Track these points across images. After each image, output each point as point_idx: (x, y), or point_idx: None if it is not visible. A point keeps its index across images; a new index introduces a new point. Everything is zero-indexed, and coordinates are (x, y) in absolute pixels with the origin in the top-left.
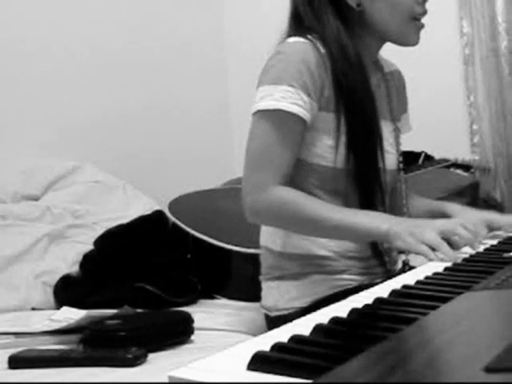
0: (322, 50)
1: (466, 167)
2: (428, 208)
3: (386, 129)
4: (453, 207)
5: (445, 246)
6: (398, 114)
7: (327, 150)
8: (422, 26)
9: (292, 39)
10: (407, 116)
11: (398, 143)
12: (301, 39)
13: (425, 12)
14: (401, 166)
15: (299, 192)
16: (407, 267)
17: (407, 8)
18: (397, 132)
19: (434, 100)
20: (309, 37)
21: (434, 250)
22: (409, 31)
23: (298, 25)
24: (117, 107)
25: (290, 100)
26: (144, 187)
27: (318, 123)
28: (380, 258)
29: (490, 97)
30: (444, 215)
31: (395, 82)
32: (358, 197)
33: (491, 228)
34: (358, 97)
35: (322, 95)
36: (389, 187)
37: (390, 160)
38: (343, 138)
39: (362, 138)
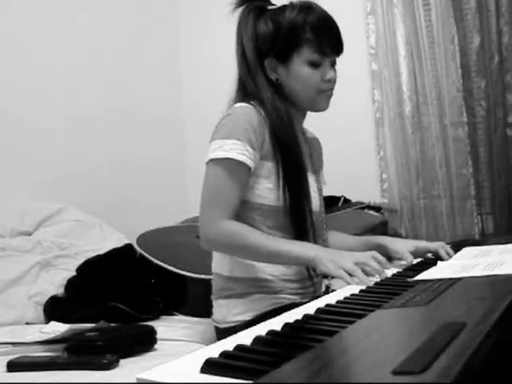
0: (263, 113)
1: (377, 209)
2: (362, 242)
3: (310, 178)
4: (385, 239)
5: (359, 272)
6: (317, 169)
7: (267, 191)
8: (331, 94)
9: (238, 104)
10: (323, 172)
11: (320, 191)
12: (245, 104)
13: (331, 88)
14: (322, 208)
15: (244, 224)
16: (330, 290)
17: (314, 85)
18: (318, 182)
19: (352, 154)
20: (251, 102)
21: (350, 275)
22: (318, 101)
23: (242, 91)
24: (95, 161)
25: (238, 151)
26: (117, 225)
27: (259, 170)
28: (311, 279)
29: (396, 152)
30: (378, 245)
31: (314, 146)
32: (293, 229)
33: (422, 253)
34: (290, 149)
35: (262, 148)
36: (314, 225)
37: (314, 203)
38: (280, 182)
39: (295, 181)
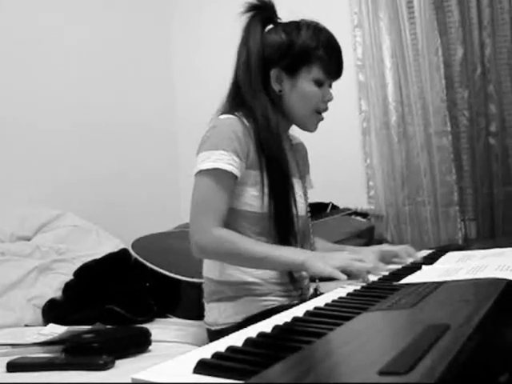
0: (247, 124)
1: (363, 215)
2: (331, 249)
3: (297, 184)
4: (352, 248)
5: (356, 263)
6: (303, 174)
7: (253, 199)
8: (322, 118)
9: (222, 116)
10: (309, 177)
11: (306, 195)
12: (229, 116)
13: (326, 108)
14: (309, 213)
15: (234, 232)
16: (318, 292)
17: (314, 103)
18: (304, 187)
19: (339, 162)
20: (236, 114)
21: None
22: (310, 121)
23: (234, 96)
24: (91, 170)
25: (225, 161)
26: (112, 230)
27: (245, 179)
28: (294, 283)
29: (382, 160)
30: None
31: (300, 151)
32: (278, 234)
33: (388, 256)
34: (275, 159)
35: (248, 157)
36: (301, 230)
37: (301, 208)
38: (266, 190)
39: (280, 189)
